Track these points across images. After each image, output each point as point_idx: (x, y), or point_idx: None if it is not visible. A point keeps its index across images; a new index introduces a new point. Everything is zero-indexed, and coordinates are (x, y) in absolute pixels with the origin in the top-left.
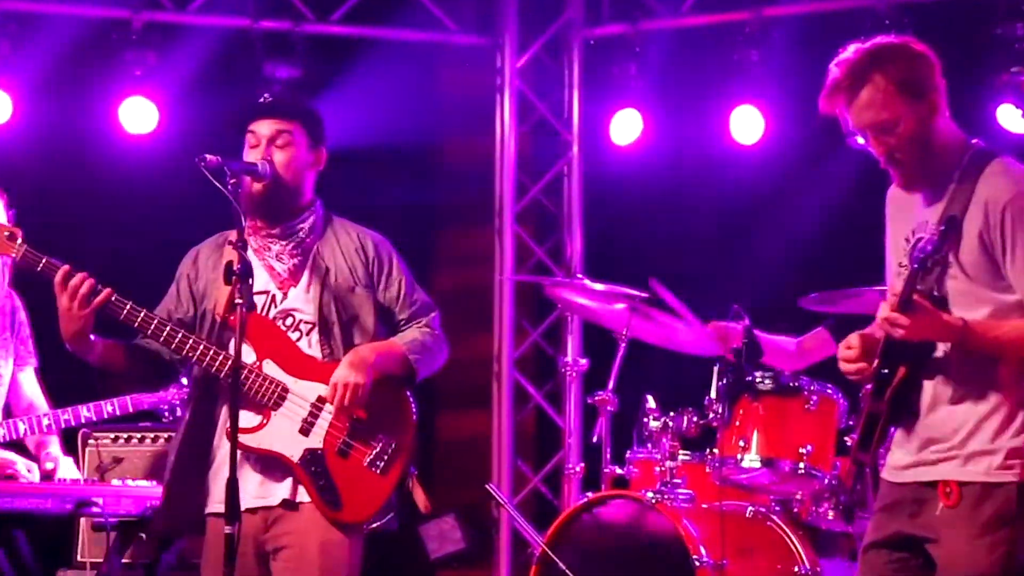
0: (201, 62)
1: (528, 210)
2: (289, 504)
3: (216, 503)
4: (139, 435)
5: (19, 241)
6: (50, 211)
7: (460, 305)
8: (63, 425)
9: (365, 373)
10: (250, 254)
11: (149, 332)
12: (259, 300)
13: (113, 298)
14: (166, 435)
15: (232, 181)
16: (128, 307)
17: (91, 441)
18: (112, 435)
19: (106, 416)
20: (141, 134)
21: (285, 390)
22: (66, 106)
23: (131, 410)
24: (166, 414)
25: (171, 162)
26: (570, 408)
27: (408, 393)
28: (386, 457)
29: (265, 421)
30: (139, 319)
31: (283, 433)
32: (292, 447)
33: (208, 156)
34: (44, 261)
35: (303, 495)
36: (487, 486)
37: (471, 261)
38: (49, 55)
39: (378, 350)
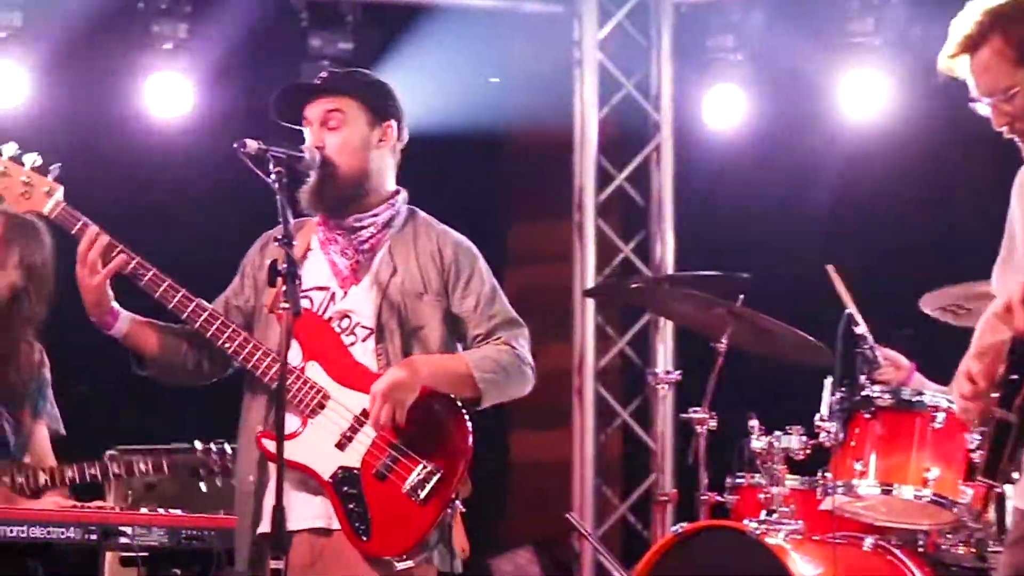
0: (239, 35)
1: (611, 202)
2: (326, 532)
3: (267, 522)
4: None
5: (57, 198)
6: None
7: (534, 310)
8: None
9: (409, 389)
10: (316, 246)
11: (184, 316)
12: (317, 296)
13: (147, 273)
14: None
15: (276, 170)
16: (153, 276)
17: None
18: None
19: (136, 474)
20: (171, 118)
21: (326, 397)
22: (86, 86)
23: (166, 472)
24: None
25: (206, 148)
26: (661, 426)
27: (466, 417)
28: (428, 486)
29: (300, 429)
30: (172, 296)
31: (318, 445)
32: (325, 462)
33: (248, 141)
34: (81, 223)
35: (335, 520)
36: (567, 515)
37: (546, 260)
38: (67, 28)
39: (434, 364)
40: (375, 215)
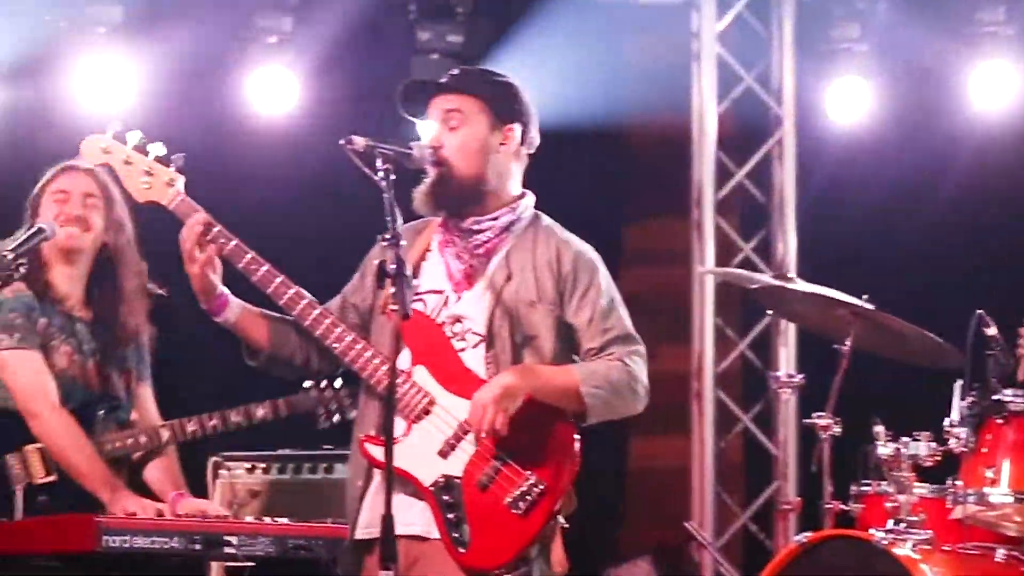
0: (346, 28)
1: (731, 199)
2: (423, 540)
3: (363, 528)
4: (278, 464)
5: (178, 188)
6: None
7: (651, 311)
8: (208, 432)
9: (513, 398)
10: (435, 247)
11: (295, 312)
12: (431, 300)
13: (259, 268)
14: (309, 464)
15: (384, 167)
16: (266, 272)
17: (223, 472)
18: (248, 465)
19: (255, 420)
20: (275, 114)
21: (432, 403)
22: (188, 84)
23: (284, 413)
24: (323, 416)
25: (311, 145)
26: (783, 432)
27: (574, 428)
28: (530, 498)
29: (404, 435)
30: (283, 292)
31: (420, 451)
32: (427, 469)
33: (355, 138)
34: (197, 214)
35: (434, 529)
36: (686, 524)
37: (664, 259)
38: (168, 23)
39: (541, 374)
40: (494, 218)
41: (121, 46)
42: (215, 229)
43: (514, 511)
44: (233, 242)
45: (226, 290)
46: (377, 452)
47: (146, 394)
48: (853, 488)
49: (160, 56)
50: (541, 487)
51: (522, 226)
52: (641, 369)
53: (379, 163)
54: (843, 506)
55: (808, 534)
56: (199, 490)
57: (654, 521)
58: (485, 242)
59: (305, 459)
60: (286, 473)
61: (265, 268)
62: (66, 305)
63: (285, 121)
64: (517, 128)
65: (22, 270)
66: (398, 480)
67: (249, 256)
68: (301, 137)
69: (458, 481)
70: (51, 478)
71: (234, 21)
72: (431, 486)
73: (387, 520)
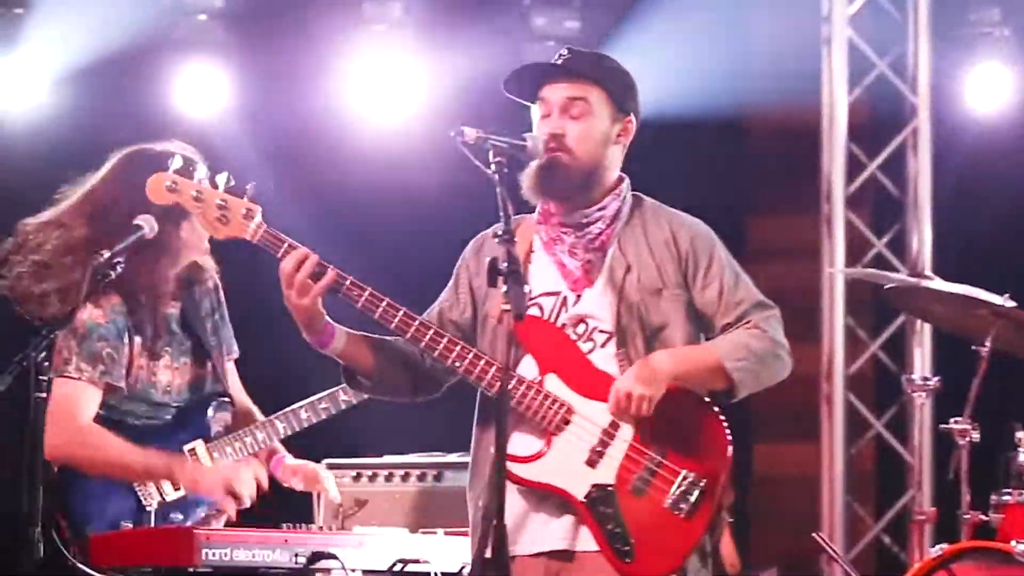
0: (457, 14)
1: (863, 192)
2: (569, 555)
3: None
4: (387, 472)
5: (258, 220)
6: (273, 212)
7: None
8: (321, 416)
9: (654, 384)
10: (539, 247)
11: (408, 335)
12: (547, 302)
13: (347, 282)
14: (419, 472)
15: (497, 160)
16: (369, 296)
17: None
18: (354, 472)
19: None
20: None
21: (570, 411)
22: (288, 82)
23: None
24: None
25: (421, 142)
26: (918, 438)
27: (721, 416)
28: (692, 497)
29: (545, 449)
30: (395, 318)
31: (566, 464)
32: (577, 482)
33: (466, 129)
34: (286, 245)
35: (585, 542)
36: (815, 535)
37: (791, 256)
38: (270, 18)
39: (681, 356)
40: (603, 208)
41: (218, 43)
42: (315, 256)
43: (676, 513)
44: (329, 268)
45: (329, 320)
46: (522, 471)
47: (231, 369)
48: (993, 497)
49: (260, 53)
50: (700, 483)
51: (627, 211)
52: (780, 333)
53: (491, 156)
54: (982, 516)
55: (944, 546)
56: (303, 499)
57: (780, 532)
58: (599, 234)
59: (413, 467)
60: (394, 481)
61: (368, 292)
62: (157, 304)
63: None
64: (634, 120)
65: (119, 269)
66: (537, 495)
67: (348, 281)
68: (416, 136)
69: (612, 489)
70: (180, 493)
71: (344, 10)
72: (584, 499)
73: (498, 529)
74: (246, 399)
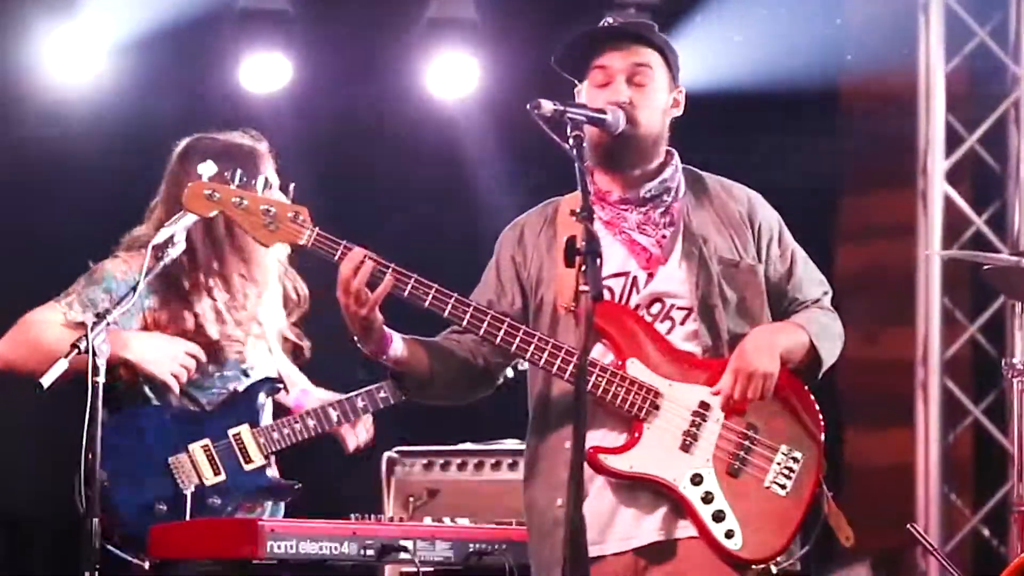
0: None
1: (962, 167)
2: (664, 546)
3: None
4: (458, 460)
5: (308, 223)
6: (335, 199)
7: (870, 291)
8: (380, 405)
9: (773, 359)
10: (599, 226)
11: (464, 323)
12: (616, 284)
13: (410, 283)
14: (492, 461)
15: (575, 134)
16: (436, 294)
17: (398, 468)
18: (425, 460)
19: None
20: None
21: (658, 396)
22: (356, 66)
23: None
24: None
25: (490, 120)
26: (1019, 425)
27: (806, 387)
28: (792, 474)
29: (636, 437)
30: (465, 314)
31: (660, 451)
32: (673, 469)
33: (543, 102)
34: (343, 247)
35: (684, 529)
36: (909, 526)
37: (885, 234)
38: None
39: (782, 334)
40: (664, 181)
41: (282, 15)
42: (371, 261)
43: (777, 491)
44: (390, 267)
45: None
46: (615, 462)
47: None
48: None
49: (322, 37)
50: (801, 459)
51: (687, 185)
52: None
53: (569, 130)
54: None
55: None
56: (373, 489)
57: (873, 523)
58: (668, 208)
59: (487, 455)
60: (467, 470)
61: (434, 290)
62: (201, 274)
63: (463, 96)
64: (683, 91)
65: (181, 248)
66: (626, 488)
67: (412, 280)
68: (484, 111)
69: (710, 473)
70: (220, 478)
71: None
72: (683, 486)
73: (574, 524)
74: (308, 386)
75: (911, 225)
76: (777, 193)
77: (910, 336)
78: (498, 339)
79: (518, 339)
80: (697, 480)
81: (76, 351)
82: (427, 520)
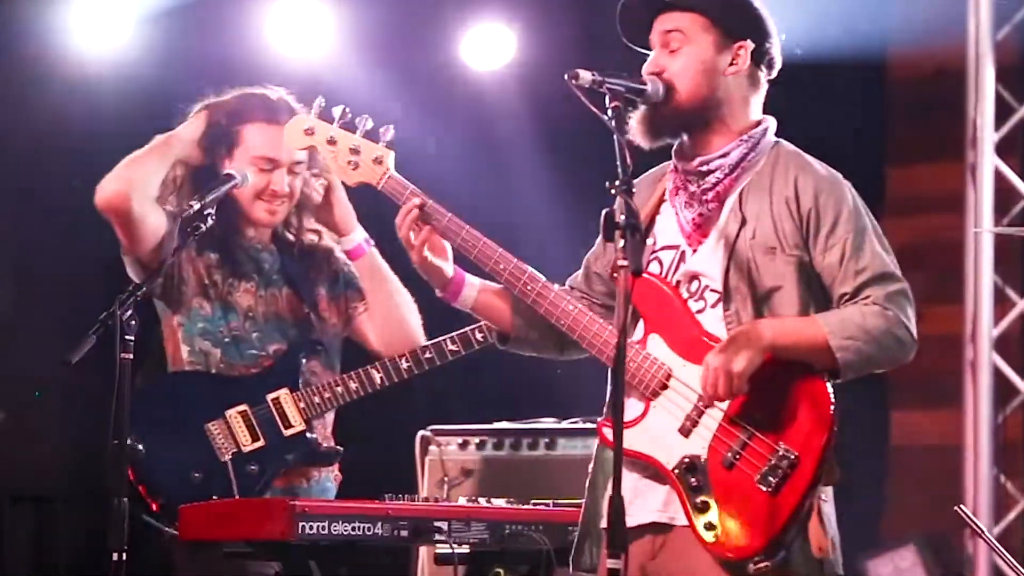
0: None
1: (1012, 138)
2: (664, 528)
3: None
4: (494, 439)
5: (386, 166)
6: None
7: (917, 267)
8: (425, 367)
9: (747, 355)
10: (668, 197)
11: (518, 287)
12: (666, 257)
13: (462, 232)
14: (529, 440)
15: (614, 104)
16: (483, 247)
17: (433, 447)
18: (460, 439)
19: (475, 346)
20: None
21: (668, 375)
22: (394, 38)
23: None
24: None
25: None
26: None
27: (827, 388)
28: (780, 471)
29: (642, 415)
30: (503, 268)
31: (660, 432)
32: (668, 451)
33: (581, 72)
34: (408, 192)
35: (682, 516)
36: (958, 508)
37: (932, 208)
38: None
39: (783, 328)
40: (724, 154)
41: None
42: (427, 205)
43: (764, 488)
44: (447, 217)
45: (459, 271)
46: (612, 434)
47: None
48: None
49: (365, 7)
50: (791, 457)
51: (759, 159)
52: (905, 310)
53: (607, 100)
54: None
55: None
56: (407, 468)
57: (920, 506)
58: (715, 184)
59: (524, 433)
60: (502, 449)
61: (482, 243)
62: (257, 237)
63: (502, 68)
64: (749, 46)
65: (210, 221)
66: (639, 464)
67: (464, 231)
68: (521, 80)
69: (704, 461)
70: (259, 443)
71: None
72: (674, 468)
73: (614, 504)
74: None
75: (959, 198)
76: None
77: (958, 313)
78: (530, 298)
79: (548, 300)
80: (690, 466)
81: (103, 328)
82: (462, 500)
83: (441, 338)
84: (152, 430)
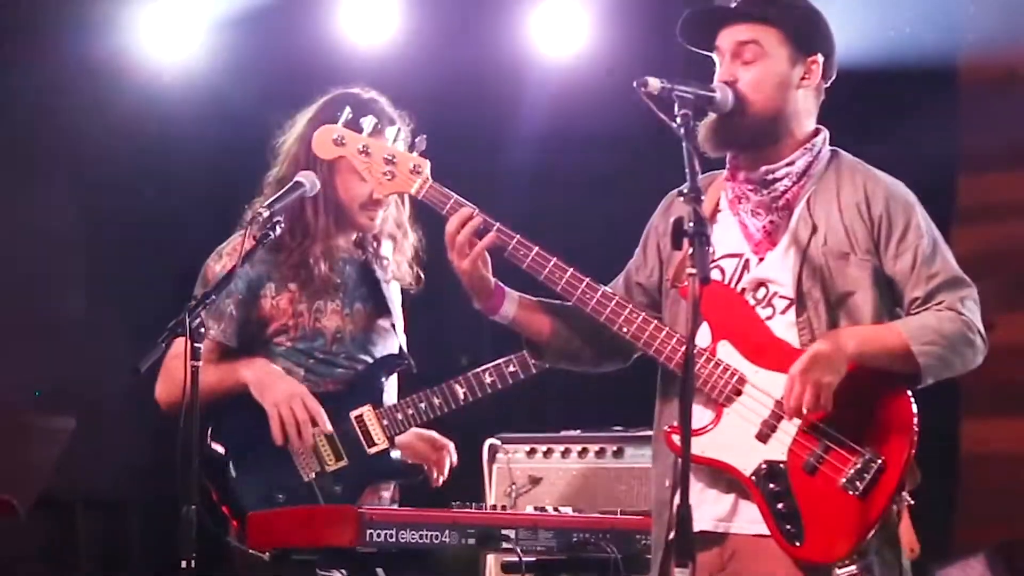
0: None
1: None
2: (726, 537)
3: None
4: (562, 448)
5: (424, 175)
6: (438, 158)
7: (990, 276)
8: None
9: (834, 368)
10: (725, 206)
11: (574, 299)
12: (728, 265)
13: (512, 242)
14: (597, 448)
15: (683, 112)
16: (536, 256)
17: (500, 455)
18: (527, 447)
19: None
20: (562, 58)
21: (742, 381)
22: (460, 22)
23: None
24: None
25: (598, 90)
26: None
27: (908, 392)
28: (867, 476)
29: (714, 421)
30: (559, 278)
31: (736, 438)
32: (745, 457)
33: (650, 79)
34: (452, 201)
35: (741, 524)
36: None
37: (1007, 215)
38: None
39: (864, 337)
40: (790, 163)
41: None
42: (484, 220)
43: (851, 492)
44: (495, 226)
45: (499, 284)
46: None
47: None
48: None
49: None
50: (879, 461)
51: (821, 168)
52: (976, 315)
53: (676, 108)
54: None
55: None
56: (475, 475)
57: (990, 516)
58: (784, 192)
59: (592, 441)
60: (570, 457)
61: (535, 251)
62: (319, 250)
63: (572, 63)
64: (821, 60)
65: (279, 228)
66: (710, 473)
67: (515, 240)
68: (588, 80)
69: (783, 466)
70: (343, 463)
71: None
72: (752, 475)
73: (682, 512)
74: None
75: None
76: (891, 172)
77: None
78: (589, 307)
79: (609, 308)
80: (769, 472)
81: (172, 334)
82: (529, 508)
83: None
84: (239, 448)
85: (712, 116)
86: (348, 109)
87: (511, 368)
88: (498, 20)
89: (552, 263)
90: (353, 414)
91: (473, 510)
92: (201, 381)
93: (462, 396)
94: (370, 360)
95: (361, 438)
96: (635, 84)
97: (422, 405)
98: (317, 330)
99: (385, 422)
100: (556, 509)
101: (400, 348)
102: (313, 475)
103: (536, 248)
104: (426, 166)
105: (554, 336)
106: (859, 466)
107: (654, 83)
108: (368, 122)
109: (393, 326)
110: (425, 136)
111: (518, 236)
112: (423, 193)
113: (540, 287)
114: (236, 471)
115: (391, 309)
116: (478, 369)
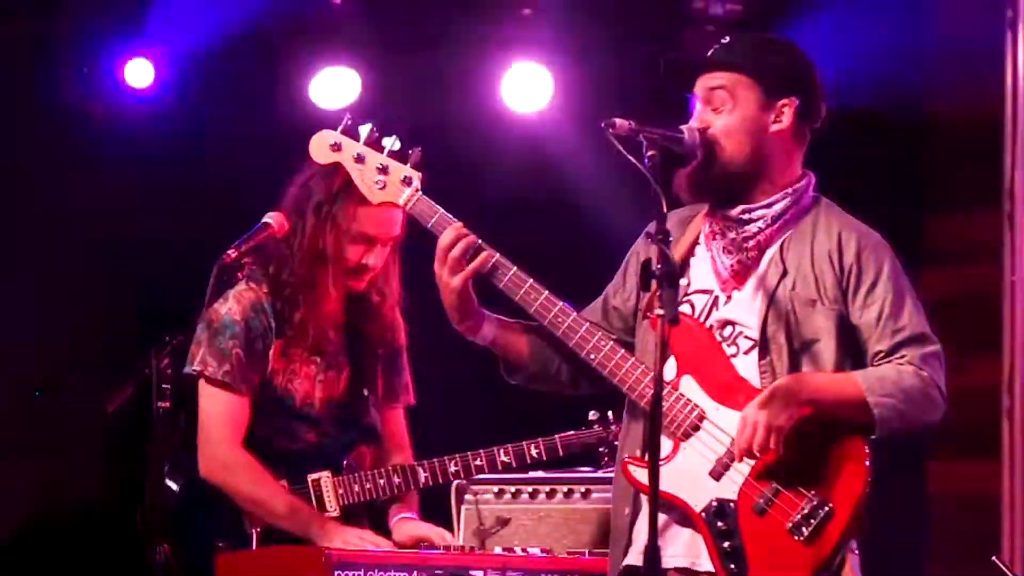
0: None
1: None
2: (685, 572)
3: (634, 556)
4: (530, 489)
5: (414, 187)
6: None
7: (956, 316)
8: (473, 474)
9: (787, 411)
10: (703, 240)
11: (546, 321)
12: (699, 300)
13: (510, 273)
14: (565, 489)
15: (650, 154)
16: (513, 276)
17: (468, 497)
18: (495, 489)
19: (528, 462)
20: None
21: (701, 417)
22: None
23: (561, 454)
24: (605, 457)
25: (566, 137)
26: None
27: (862, 441)
28: (814, 521)
29: (671, 455)
30: (533, 299)
31: (690, 473)
32: (697, 493)
33: (617, 121)
34: (438, 216)
35: (707, 562)
36: (994, 559)
37: (969, 257)
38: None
39: (819, 384)
40: (767, 206)
41: (353, 31)
42: (473, 236)
43: (796, 537)
44: (482, 246)
45: (479, 306)
46: (643, 475)
47: (396, 417)
48: None
49: (403, 47)
50: (827, 508)
51: (801, 213)
52: (938, 372)
53: (644, 149)
54: None
55: None
56: (443, 517)
57: (957, 555)
58: (756, 233)
59: (560, 482)
60: (538, 498)
61: (512, 271)
62: (311, 308)
63: (539, 113)
64: (795, 103)
65: (246, 269)
66: (664, 505)
67: (495, 259)
68: (558, 126)
69: (733, 506)
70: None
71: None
72: (702, 511)
73: (651, 550)
74: (407, 452)
75: (995, 248)
76: (858, 214)
77: (995, 363)
78: (560, 331)
79: (578, 334)
80: (719, 510)
81: (140, 376)
82: (497, 549)
83: (494, 448)
84: (194, 490)
85: (689, 165)
86: (348, 116)
87: (477, 462)
88: (464, 80)
89: (528, 284)
90: (311, 477)
91: (442, 551)
92: (269, 507)
93: (422, 480)
94: (338, 428)
95: (314, 502)
96: (602, 125)
97: (381, 481)
98: (288, 391)
99: (340, 491)
100: (524, 550)
101: (369, 425)
102: (259, 527)
103: (515, 268)
104: (417, 178)
105: (532, 358)
106: (806, 511)
107: (622, 124)
108: (365, 129)
109: (370, 397)
110: (420, 148)
111: (498, 255)
112: (411, 205)
113: (503, 303)
114: (192, 512)
115: (371, 379)
116: (442, 458)
